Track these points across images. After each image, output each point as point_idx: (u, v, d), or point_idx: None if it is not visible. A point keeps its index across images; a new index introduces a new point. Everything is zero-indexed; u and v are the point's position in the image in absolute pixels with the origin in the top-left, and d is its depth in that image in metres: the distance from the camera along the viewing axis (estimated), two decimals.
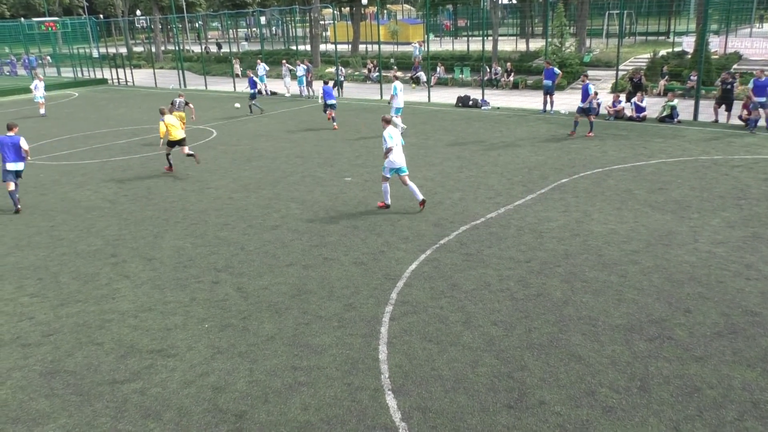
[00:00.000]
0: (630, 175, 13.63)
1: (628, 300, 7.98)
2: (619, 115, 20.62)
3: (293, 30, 62.57)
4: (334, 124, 20.83)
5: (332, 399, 6.22)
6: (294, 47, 51.10)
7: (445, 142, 18.01)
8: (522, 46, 44.12)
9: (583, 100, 17.93)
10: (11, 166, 12.82)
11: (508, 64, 30.93)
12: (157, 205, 13.05)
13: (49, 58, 57.86)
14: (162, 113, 15.65)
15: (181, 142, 15.35)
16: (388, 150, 11.14)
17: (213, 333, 7.63)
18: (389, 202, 11.84)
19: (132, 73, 42.14)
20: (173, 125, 15.30)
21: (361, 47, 49.79)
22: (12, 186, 12.85)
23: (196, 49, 64.02)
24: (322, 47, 49.00)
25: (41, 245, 11.01)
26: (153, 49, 52.01)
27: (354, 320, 7.74)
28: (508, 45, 45.73)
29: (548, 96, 22.08)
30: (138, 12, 72.93)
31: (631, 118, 20.26)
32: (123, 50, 61.05)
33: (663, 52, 32.01)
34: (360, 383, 6.44)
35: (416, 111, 23.99)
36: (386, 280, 8.82)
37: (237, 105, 26.92)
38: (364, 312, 7.94)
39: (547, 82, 22.04)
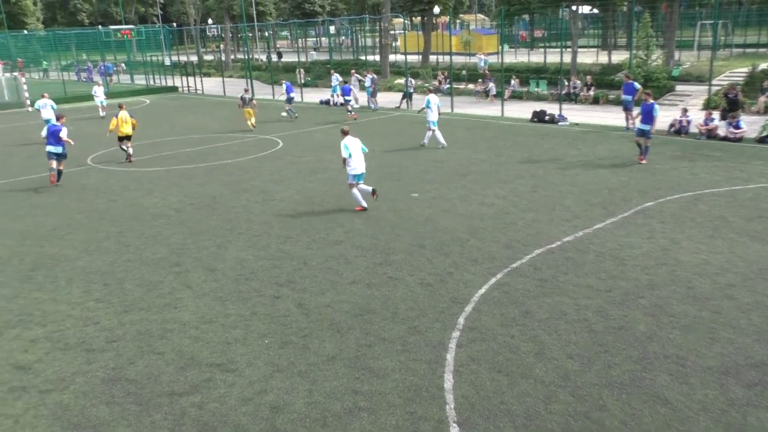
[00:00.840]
0: (724, 200, 12.97)
1: (723, 339, 7.53)
2: (711, 135, 19.73)
3: (363, 40, 63.54)
4: (353, 114, 26.14)
5: (393, 428, 6.13)
6: (363, 57, 51.81)
7: (518, 158, 17.72)
8: (603, 58, 43.12)
9: (645, 121, 16.27)
10: (51, 149, 16.55)
11: (588, 77, 30.26)
12: (222, 215, 13.40)
13: (123, 65, 61.14)
14: (120, 107, 19.56)
15: (127, 138, 19.38)
16: (344, 160, 12.79)
17: (273, 349, 7.70)
18: (365, 204, 13.05)
19: (202, 81, 43.84)
20: (124, 121, 19.15)
21: (432, 58, 49.96)
22: (54, 164, 16.69)
23: (264, 57, 65.98)
24: (392, 57, 49.51)
25: (109, 251, 11.50)
26: (223, 58, 53.94)
27: (418, 345, 7.64)
28: (588, 57, 44.79)
29: (628, 112, 21.40)
30: (210, 21, 75.98)
31: (725, 138, 19.34)
32: (194, 58, 63.58)
33: (763, 65, 30.50)
34: (423, 413, 6.32)
35: (488, 125, 23.76)
36: (453, 304, 8.68)
37: (283, 114, 28.67)
38: (430, 336, 7.83)
39: (626, 98, 21.38)
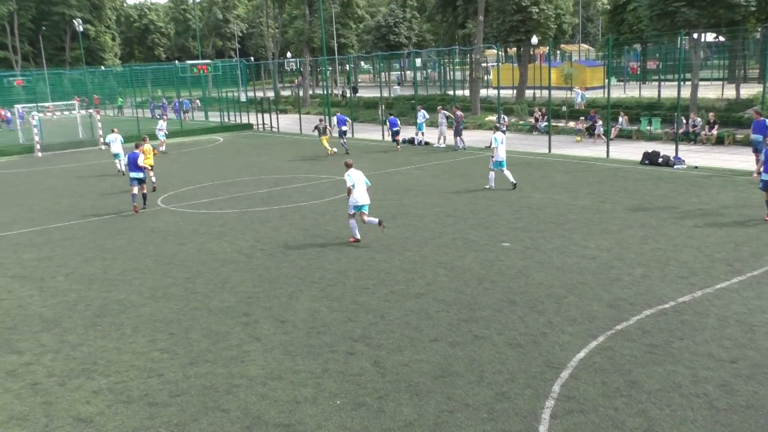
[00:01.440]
0: None
1: None
2: None
3: (451, 73, 64.56)
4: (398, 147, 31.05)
5: None
6: (451, 92, 52.58)
7: (626, 206, 17.33)
8: (730, 92, 41.73)
9: None
10: (133, 175, 19.77)
11: (711, 114, 29.35)
12: (294, 262, 13.81)
13: (198, 101, 64.72)
14: (144, 140, 22.36)
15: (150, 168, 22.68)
16: (348, 190, 14.56)
17: (345, 411, 7.81)
18: (358, 236, 15.01)
19: (277, 118, 45.67)
20: (149, 153, 22.71)
21: (528, 93, 50.01)
22: (135, 189, 19.81)
23: (341, 93, 68.13)
24: (483, 92, 49.97)
25: (175, 297, 12.08)
26: (300, 93, 56.26)
27: (507, 413, 7.54)
28: (711, 91, 43.52)
29: (758, 154, 20.48)
30: (288, 54, 79.41)
31: None
32: (270, 94, 66.52)
33: None
34: None
35: (591, 168, 23.42)
36: (547, 369, 8.53)
37: (335, 149, 31.09)
38: (520, 405, 7.71)
39: (756, 137, 20.52)
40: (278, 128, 44.90)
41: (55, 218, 19.89)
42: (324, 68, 49.08)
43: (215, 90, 61.48)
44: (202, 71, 47.58)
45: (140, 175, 19.83)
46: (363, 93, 65.75)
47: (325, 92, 43.35)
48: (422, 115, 32.62)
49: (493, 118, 38.43)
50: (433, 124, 37.45)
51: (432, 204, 18.83)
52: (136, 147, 20.36)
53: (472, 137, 33.54)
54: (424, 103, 45.51)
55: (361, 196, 14.70)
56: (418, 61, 76.50)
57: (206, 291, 12.31)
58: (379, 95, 43.47)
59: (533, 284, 11.65)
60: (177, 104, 55.37)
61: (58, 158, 36.05)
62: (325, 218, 17.75)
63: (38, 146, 38.15)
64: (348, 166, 14.98)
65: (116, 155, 28.74)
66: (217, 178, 25.96)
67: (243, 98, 53.80)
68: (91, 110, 43.82)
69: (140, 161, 19.66)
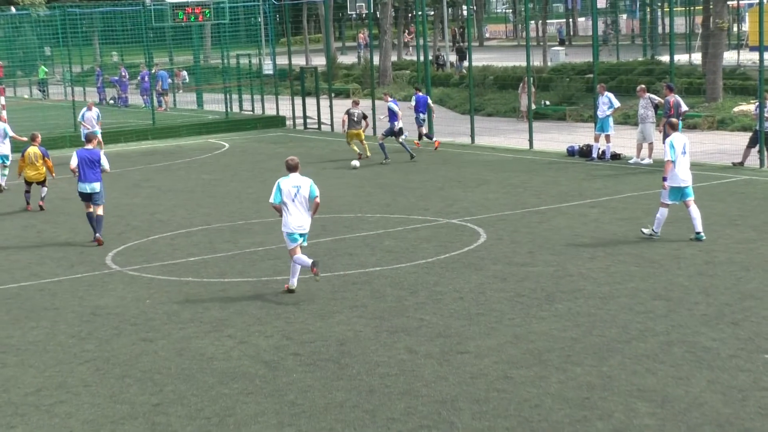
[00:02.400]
0: None
1: None
2: None
3: (665, 21, 64.08)
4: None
5: None
6: (665, 57, 51.88)
7: None
8: None
9: None
10: (85, 187, 23.41)
11: None
12: (356, 380, 13.74)
13: (185, 73, 65.94)
14: (33, 140, 27.53)
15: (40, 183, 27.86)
16: (272, 207, 18.27)
17: None
18: (294, 284, 18.43)
19: (331, 106, 46.30)
20: (34, 161, 27.33)
21: None
22: (92, 208, 23.55)
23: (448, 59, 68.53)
24: (728, 56, 49.02)
25: None
26: (376, 61, 56.78)
27: None
28: None
29: None
30: None
31: None
32: (319, 60, 67.12)
33: None
34: None
35: None
36: None
37: (355, 164, 34.42)
38: None
39: None
40: (332, 125, 45.48)
41: None
42: (422, 12, 49.58)
43: (217, 52, 62.50)
44: (193, 16, 47.51)
45: (96, 186, 23.43)
46: (491, 58, 65.92)
47: (425, 57, 43.61)
48: (606, 101, 32.38)
49: (749, 107, 37.68)
50: (628, 119, 37.09)
51: (623, 273, 18.74)
52: (88, 141, 24.36)
53: (709, 145, 33.03)
54: (611, 79, 45.19)
55: (297, 218, 17.71)
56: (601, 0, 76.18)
57: (193, 428, 12.33)
58: (524, 63, 42.98)
59: None
60: (146, 78, 56.43)
61: None
62: (416, 298, 17.77)
63: None
64: (289, 167, 18.02)
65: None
66: (216, 216, 26.45)
67: (269, 68, 54.45)
68: None
69: (104, 163, 23.54)
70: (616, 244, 21.14)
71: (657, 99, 31.36)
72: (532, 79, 40.70)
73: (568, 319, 16.06)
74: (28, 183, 27.98)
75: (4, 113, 36.59)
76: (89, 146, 23.94)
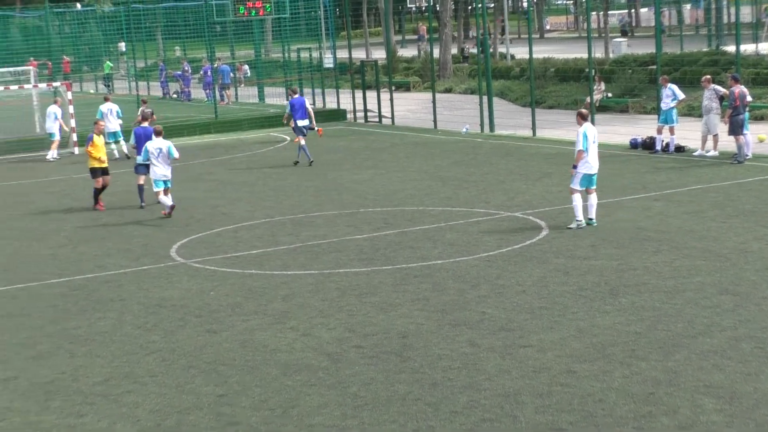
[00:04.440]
0: None
1: None
2: None
3: (731, 10, 63.34)
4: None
5: None
6: (731, 47, 51.31)
7: None
8: None
9: None
10: (143, 159, 26.81)
11: None
12: (419, 373, 13.71)
13: (246, 68, 66.26)
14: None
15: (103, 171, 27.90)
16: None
17: None
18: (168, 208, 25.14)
19: (392, 99, 46.33)
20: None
21: None
22: (141, 179, 27.14)
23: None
24: None
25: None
26: (436, 54, 56.69)
27: None
28: None
29: None
30: None
31: None
32: (379, 54, 67.18)
33: None
34: None
35: None
36: None
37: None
38: None
39: None
40: (392, 118, 45.52)
41: None
42: (481, 4, 49.42)
43: (278, 46, 62.75)
44: (254, 11, 47.98)
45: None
46: (552, 50, 65.56)
47: (485, 50, 43.48)
48: (670, 93, 32.07)
49: None
50: (692, 111, 36.69)
51: (689, 267, 18.55)
52: (143, 120, 28.78)
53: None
54: (675, 70, 44.70)
55: (161, 169, 25.56)
56: None
57: (254, 422, 12.42)
58: (585, 55, 42.43)
59: None
60: (208, 72, 56.65)
61: None
62: (477, 291, 17.73)
63: None
64: (156, 133, 26.23)
65: (113, 136, 34.51)
66: (278, 209, 26.60)
67: (330, 62, 54.64)
68: (56, 83, 45.73)
69: (174, 152, 26.25)
70: (681, 238, 20.91)
71: (722, 90, 30.96)
72: (594, 71, 40.38)
73: (632, 314, 15.94)
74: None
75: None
76: (145, 124, 28.47)
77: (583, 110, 23.73)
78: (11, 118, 45.21)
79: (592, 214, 22.30)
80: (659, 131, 32.28)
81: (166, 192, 25.86)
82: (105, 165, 27.67)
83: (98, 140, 27.77)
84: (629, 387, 12.75)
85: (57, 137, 39.29)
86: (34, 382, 14.30)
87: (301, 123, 33.93)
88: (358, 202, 26.87)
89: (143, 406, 13.16)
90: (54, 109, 39.32)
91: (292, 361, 14.62)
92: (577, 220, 21.99)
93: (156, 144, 25.74)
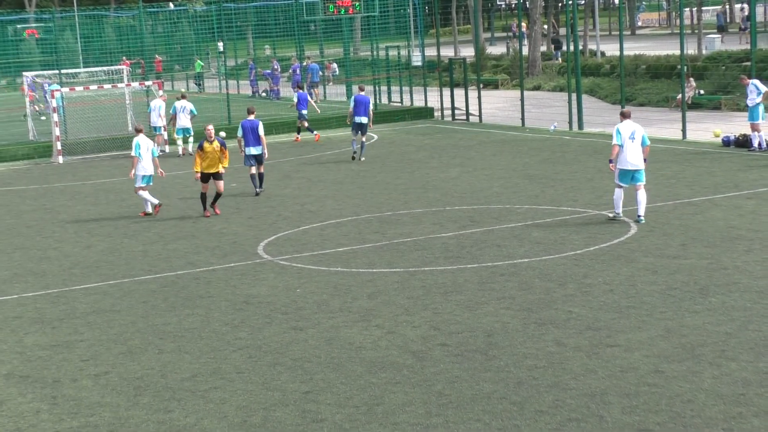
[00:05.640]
0: None
1: None
2: None
3: None
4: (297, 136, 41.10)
5: None
6: None
7: None
8: None
9: None
10: (251, 151, 28.92)
11: None
12: (504, 372, 13.69)
13: (334, 65, 66.53)
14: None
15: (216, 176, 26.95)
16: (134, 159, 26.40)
17: None
18: (149, 210, 26.53)
19: (480, 97, 46.23)
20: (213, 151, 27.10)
21: None
22: (253, 170, 29.04)
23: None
24: None
25: (285, 428, 12.34)
26: (525, 49, 56.33)
27: None
28: None
29: None
30: None
31: None
32: (468, 51, 67.02)
33: None
34: None
35: None
36: None
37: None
38: None
39: None
40: (480, 116, 45.41)
41: (82, 275, 21.29)
42: (572, 1, 48.99)
43: (367, 44, 62.86)
44: (343, 9, 48.11)
45: (258, 149, 28.81)
46: (644, 47, 64.83)
47: (575, 47, 43.04)
48: (753, 89, 31.55)
49: None
50: None
51: None
52: (250, 113, 29.82)
53: None
54: None
55: (149, 165, 26.71)
56: None
57: (338, 419, 12.47)
58: (678, 52, 41.68)
59: None
60: (297, 71, 57.04)
61: (91, 167, 38.95)
62: (565, 289, 17.68)
63: (59, 146, 40.71)
64: (137, 130, 27.49)
65: (182, 132, 36.09)
66: (365, 207, 26.69)
67: (418, 60, 54.67)
68: (148, 83, 46.50)
69: (260, 131, 28.88)
70: None
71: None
72: (686, 68, 39.87)
73: (722, 314, 15.75)
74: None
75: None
76: (251, 117, 29.63)
77: (625, 110, 24.55)
78: (105, 117, 45.81)
79: (641, 211, 22.57)
80: (753, 128, 31.67)
81: (146, 189, 27.20)
82: (216, 170, 26.46)
83: (208, 146, 26.68)
84: (719, 388, 12.61)
85: (162, 132, 40.01)
86: (125, 378, 14.52)
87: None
88: (445, 200, 26.84)
89: (230, 402, 13.30)
90: (158, 103, 40.21)
91: (377, 358, 14.67)
92: (616, 212, 22.88)
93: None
